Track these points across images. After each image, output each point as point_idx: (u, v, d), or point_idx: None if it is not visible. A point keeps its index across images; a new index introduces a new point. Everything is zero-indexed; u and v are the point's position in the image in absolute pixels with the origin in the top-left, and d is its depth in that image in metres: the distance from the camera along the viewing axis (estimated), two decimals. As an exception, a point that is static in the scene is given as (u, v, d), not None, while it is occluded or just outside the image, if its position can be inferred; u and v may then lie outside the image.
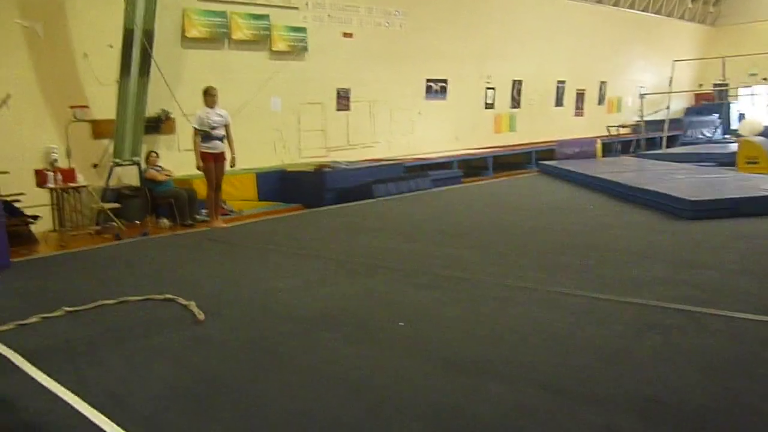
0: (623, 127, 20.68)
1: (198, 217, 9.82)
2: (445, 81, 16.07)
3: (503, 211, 9.06)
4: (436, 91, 15.85)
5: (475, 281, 5.24)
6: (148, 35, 9.79)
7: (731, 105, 21.55)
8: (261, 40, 12.29)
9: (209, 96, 8.92)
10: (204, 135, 8.85)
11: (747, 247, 6.00)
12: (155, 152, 10.25)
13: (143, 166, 10.16)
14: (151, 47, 9.87)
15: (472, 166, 15.47)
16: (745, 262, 5.44)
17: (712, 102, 23.05)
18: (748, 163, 11.56)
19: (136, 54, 9.73)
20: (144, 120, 10.21)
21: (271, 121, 12.60)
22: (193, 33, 11.25)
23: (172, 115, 10.91)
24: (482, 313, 4.41)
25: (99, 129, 10.21)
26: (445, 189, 12.13)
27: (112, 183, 10.15)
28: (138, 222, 9.94)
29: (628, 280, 5.03)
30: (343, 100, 13.90)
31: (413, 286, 5.20)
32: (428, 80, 15.71)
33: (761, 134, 12.67)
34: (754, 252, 5.81)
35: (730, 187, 8.46)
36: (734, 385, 3.09)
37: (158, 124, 10.83)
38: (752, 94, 16.85)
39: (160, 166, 10.12)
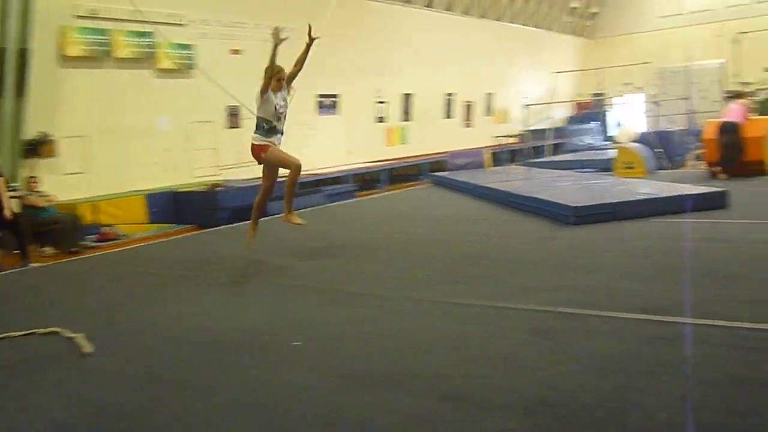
0: (510, 137, 21.44)
1: (82, 243, 9.43)
2: (336, 96, 16.16)
3: (400, 224, 9.18)
4: (328, 106, 15.92)
5: (377, 296, 5.28)
6: (23, 54, 9.35)
7: (609, 113, 22.77)
8: (146, 58, 11.98)
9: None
10: (267, 128, 6.92)
11: (627, 250, 6.34)
12: (34, 177, 9.78)
13: (22, 191, 9.66)
14: (27, 67, 9.43)
15: (365, 180, 15.61)
16: (626, 265, 5.74)
17: (592, 111, 24.27)
18: (626, 168, 12.22)
19: (11, 74, 9.27)
20: (22, 143, 9.72)
21: (161, 140, 12.28)
22: (72, 51, 10.83)
23: (52, 137, 10.44)
24: (385, 328, 4.45)
25: (-27, 154, 9.64)
26: (340, 204, 12.17)
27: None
28: (19, 251, 9.43)
29: (520, 287, 5.20)
30: (233, 117, 13.72)
31: (315, 303, 5.18)
32: (320, 95, 15.75)
33: (636, 140, 13.41)
34: (634, 254, 6.14)
35: (609, 192, 8.91)
36: (621, 382, 3.25)
37: (36, 147, 10.33)
38: (627, 103, 17.96)
39: (40, 191, 9.66)
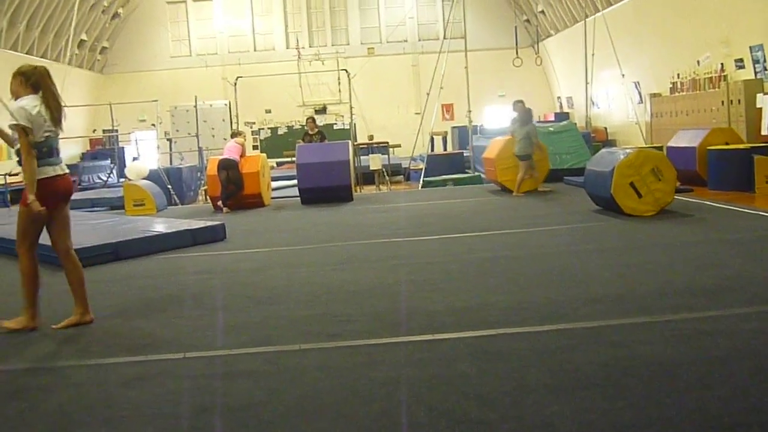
0: (14, 175, 19.64)
1: None
2: None
3: None
4: None
5: None
6: None
7: (124, 149, 22.54)
8: None
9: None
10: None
11: (123, 289, 6.26)
12: None
13: None
14: None
15: None
16: (118, 305, 5.65)
17: (105, 147, 23.75)
18: (135, 205, 12.21)
19: None
20: None
21: None
22: None
23: None
24: None
25: None
26: None
27: None
28: None
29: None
30: None
31: None
32: None
33: (147, 178, 13.49)
34: (128, 294, 6.08)
35: (113, 231, 8.72)
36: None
37: None
38: (139, 139, 18.08)
39: None
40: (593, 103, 21.71)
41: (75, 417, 3.36)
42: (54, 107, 4.77)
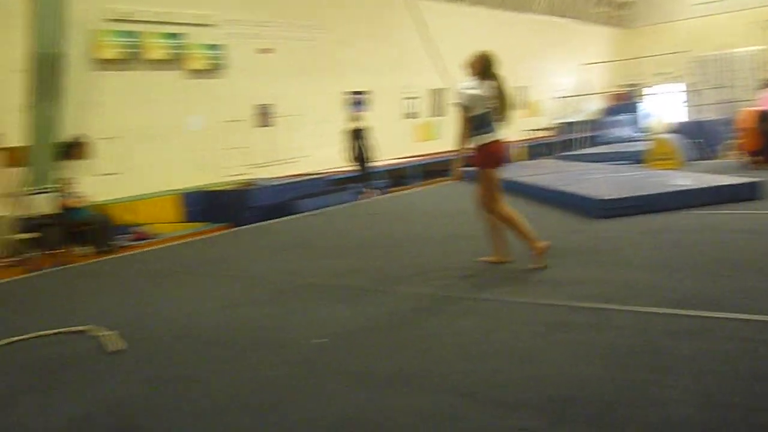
0: (542, 130, 21.21)
1: (114, 242, 9.54)
2: (365, 93, 16.17)
3: (423, 220, 9.17)
4: (358, 103, 15.93)
5: (397, 293, 5.27)
6: (57, 58, 9.52)
7: (642, 104, 22.37)
8: (176, 59, 12.12)
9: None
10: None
11: (655, 242, 6.23)
12: (69, 178, 9.95)
13: (58, 193, 9.85)
14: (60, 71, 9.61)
15: (396, 176, 15.60)
16: (653, 258, 5.64)
17: (626, 102, 23.86)
18: (661, 159, 12.01)
19: (46, 78, 9.45)
20: (58, 146, 9.91)
21: (192, 140, 12.41)
22: (103, 54, 11.00)
23: (86, 140, 10.63)
24: (399, 325, 4.44)
25: (12, 156, 9.87)
26: (369, 200, 12.18)
27: (27, 212, 9.80)
28: (55, 251, 9.61)
29: (541, 282, 5.15)
30: (264, 116, 13.82)
31: (333, 301, 5.19)
32: (349, 92, 15.78)
33: (672, 131, 13.17)
34: (662, 247, 6.03)
35: (640, 184, 8.75)
36: (639, 377, 3.20)
37: (72, 149, 10.52)
38: (660, 93, 17.69)
39: (74, 193, 9.83)
40: None
41: (619, 359, 3.46)
42: (498, 87, 5.72)
